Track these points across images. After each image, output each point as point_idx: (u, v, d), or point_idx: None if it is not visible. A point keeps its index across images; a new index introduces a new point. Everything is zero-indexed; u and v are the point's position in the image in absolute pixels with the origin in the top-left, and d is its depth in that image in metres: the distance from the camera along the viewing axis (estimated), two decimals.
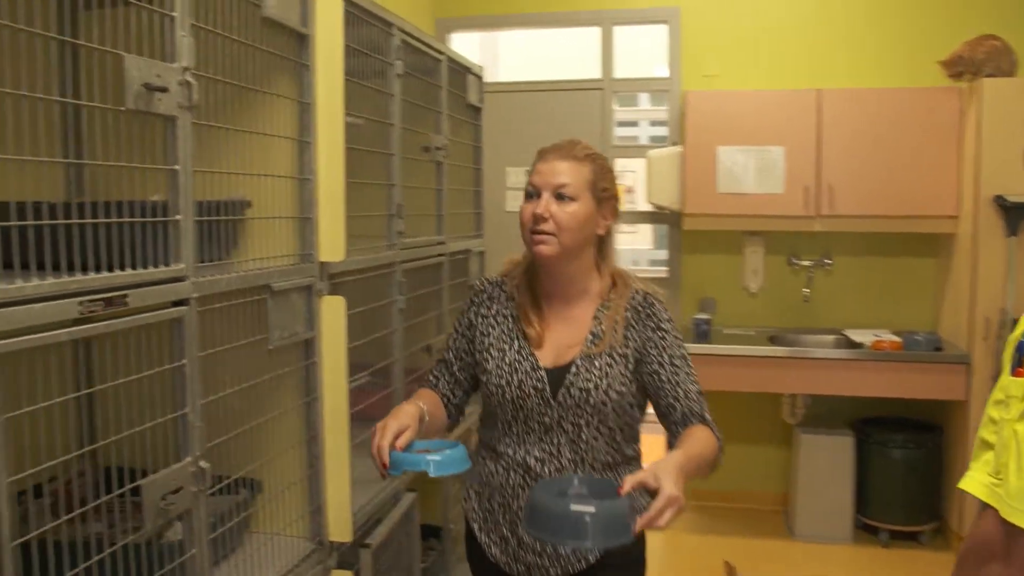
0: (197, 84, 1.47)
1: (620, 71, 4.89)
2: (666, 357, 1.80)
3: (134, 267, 1.39)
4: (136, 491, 1.42)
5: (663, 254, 5.05)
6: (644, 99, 7.20)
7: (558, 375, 1.80)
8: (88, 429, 1.93)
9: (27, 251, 1.22)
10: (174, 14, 1.43)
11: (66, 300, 1.22)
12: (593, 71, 4.90)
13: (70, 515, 1.34)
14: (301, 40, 1.88)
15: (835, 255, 4.68)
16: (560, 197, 1.75)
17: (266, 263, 1.86)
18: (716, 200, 4.48)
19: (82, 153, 1.94)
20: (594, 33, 4.88)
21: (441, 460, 1.60)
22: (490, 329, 1.89)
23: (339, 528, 2.02)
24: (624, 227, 6.23)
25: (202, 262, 1.63)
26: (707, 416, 1.79)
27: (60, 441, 1.43)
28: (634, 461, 1.91)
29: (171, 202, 1.48)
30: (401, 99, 2.53)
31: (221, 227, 1.78)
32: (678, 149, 4.59)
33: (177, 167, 1.46)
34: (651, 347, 1.80)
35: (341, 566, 2.07)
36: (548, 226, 1.74)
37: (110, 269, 1.35)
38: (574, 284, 1.85)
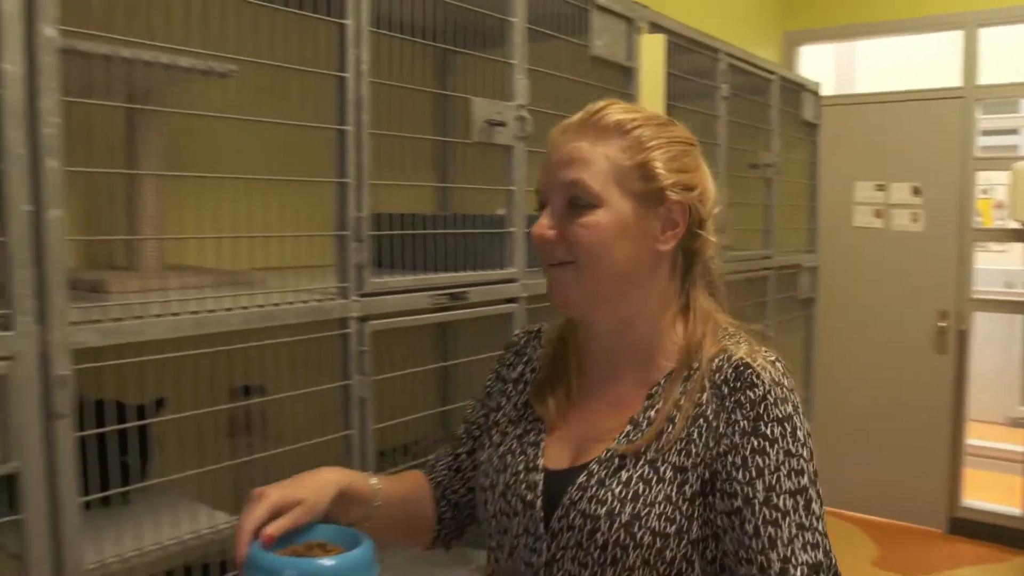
0: (531, 118, 1.77)
1: (986, 77, 4.54)
2: (758, 489, 0.97)
3: (475, 268, 1.72)
4: None
5: None
6: None
7: (562, 484, 1.06)
8: (443, 402, 2.33)
9: (404, 251, 1.67)
10: (513, 61, 1.73)
11: (420, 293, 1.57)
12: (953, 78, 4.61)
13: (405, 467, 1.69)
14: (626, 73, 2.12)
15: None
16: (575, 204, 1.04)
17: None
18: None
19: (449, 176, 2.35)
20: (956, 37, 4.59)
21: (319, 568, 0.94)
22: (503, 401, 1.22)
23: None
24: (992, 246, 5.72)
25: (535, 267, 1.93)
26: None
27: (422, 410, 1.80)
28: None
29: (508, 216, 1.79)
30: (728, 119, 2.67)
31: None
32: None
33: (513, 187, 1.77)
34: (733, 464, 0.99)
35: None
36: (559, 252, 1.05)
37: (458, 269, 1.70)
38: (623, 339, 1.10)
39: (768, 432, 0.99)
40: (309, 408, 1.51)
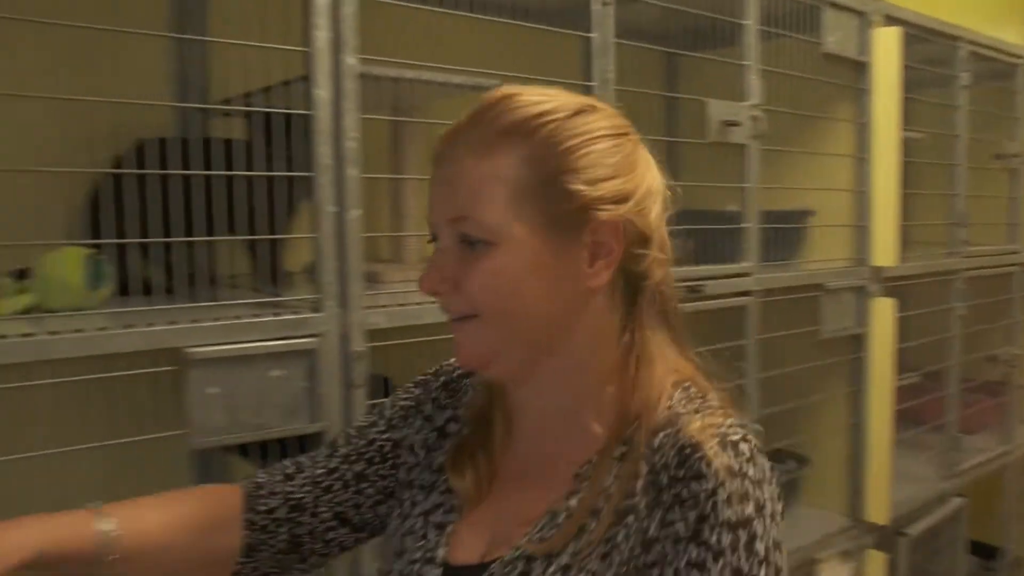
0: (765, 117, 1.83)
1: None
2: None
3: (708, 262, 1.81)
4: None
5: None
6: None
7: None
8: None
9: None
10: (747, 63, 1.80)
11: None
12: None
13: None
14: (859, 68, 2.12)
15: None
16: (467, 241, 0.79)
17: (823, 265, 2.14)
18: None
19: (678, 174, 2.44)
20: None
21: None
22: (423, 452, 0.95)
23: (876, 510, 2.20)
24: None
25: (768, 261, 1.99)
26: None
27: None
28: None
29: (741, 212, 1.86)
30: (968, 109, 2.57)
31: (786, 233, 2.12)
32: None
33: (746, 185, 1.84)
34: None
35: (878, 548, 2.24)
36: (457, 304, 0.81)
37: (692, 263, 1.79)
38: (550, 399, 0.85)
39: (713, 540, 0.72)
40: None
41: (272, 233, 1.32)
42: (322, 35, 1.27)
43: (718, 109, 1.73)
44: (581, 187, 0.77)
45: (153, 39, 1.49)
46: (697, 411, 0.79)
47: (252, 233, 1.31)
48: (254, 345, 1.23)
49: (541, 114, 0.78)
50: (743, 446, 0.75)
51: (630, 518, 0.76)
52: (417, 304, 1.40)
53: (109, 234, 1.24)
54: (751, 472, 0.74)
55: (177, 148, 1.27)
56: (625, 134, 0.83)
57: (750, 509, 0.72)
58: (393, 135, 1.69)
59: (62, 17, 1.14)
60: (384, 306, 1.37)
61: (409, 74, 1.38)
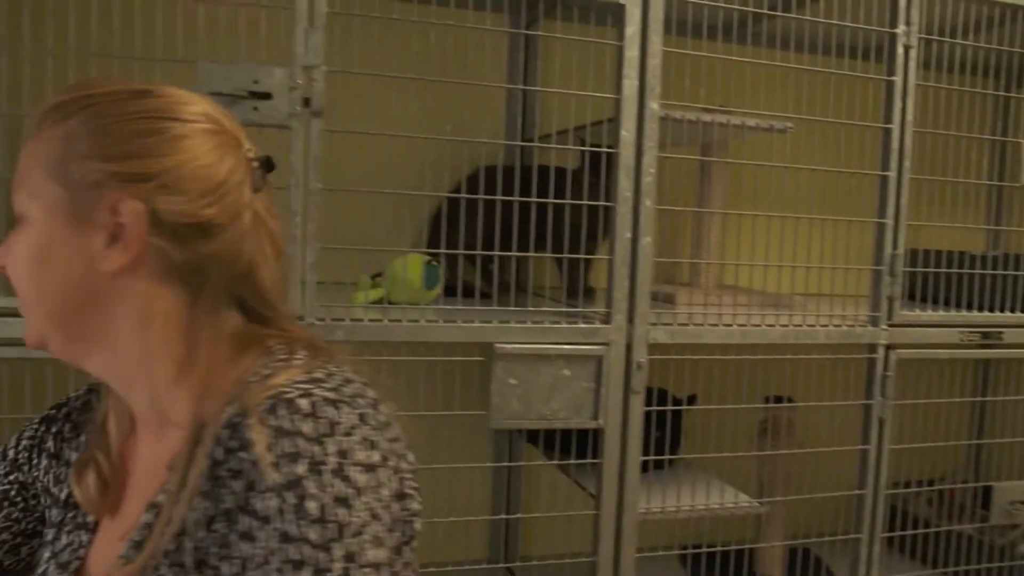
0: None
1: None
2: None
3: (1012, 310, 1.74)
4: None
5: None
6: None
7: None
8: (977, 443, 2.30)
9: (941, 286, 1.77)
10: None
11: (949, 328, 1.65)
12: None
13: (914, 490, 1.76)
14: None
15: None
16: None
17: None
18: None
19: (1005, 215, 2.33)
20: None
21: None
22: (56, 492, 0.89)
23: None
24: None
25: None
26: None
27: (954, 451, 1.86)
28: None
29: None
30: None
31: None
32: None
33: None
34: (218, 556, 0.71)
35: None
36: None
37: (998, 309, 1.74)
38: (131, 395, 0.81)
39: (259, 507, 0.68)
40: (831, 421, 1.70)
41: (578, 253, 1.54)
42: (630, 83, 1.45)
43: None
44: (97, 164, 0.74)
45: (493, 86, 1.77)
46: (270, 375, 0.73)
47: (560, 252, 1.53)
48: (551, 346, 1.44)
49: (88, 96, 0.76)
50: (301, 402, 0.69)
51: (198, 501, 0.71)
52: (698, 325, 1.54)
53: (443, 245, 1.52)
54: (306, 428, 0.68)
55: (502, 176, 1.52)
56: (182, 120, 0.77)
57: (301, 468, 0.67)
58: (701, 170, 1.83)
59: (425, 73, 1.43)
60: (667, 324, 1.53)
61: (706, 117, 1.52)
